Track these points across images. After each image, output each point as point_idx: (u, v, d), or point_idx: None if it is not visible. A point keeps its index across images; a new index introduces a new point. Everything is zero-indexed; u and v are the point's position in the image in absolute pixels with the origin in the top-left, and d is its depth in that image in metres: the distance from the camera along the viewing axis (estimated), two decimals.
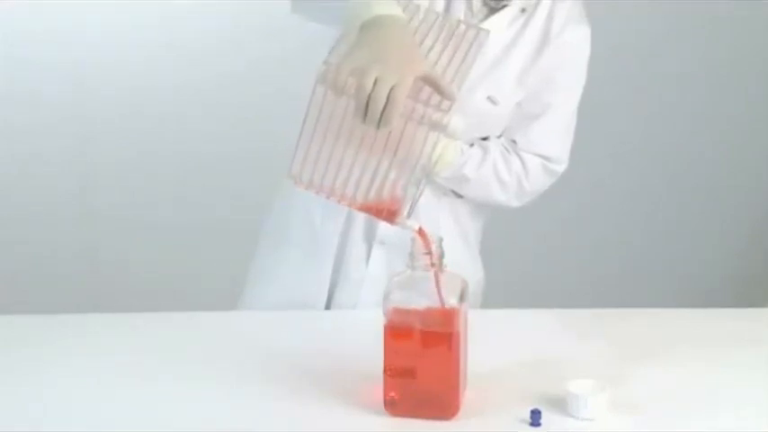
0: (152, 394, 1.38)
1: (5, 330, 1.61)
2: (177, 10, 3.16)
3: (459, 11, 1.67)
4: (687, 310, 1.75)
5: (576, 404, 1.30)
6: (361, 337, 1.44)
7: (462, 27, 1.41)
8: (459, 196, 1.76)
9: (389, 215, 1.32)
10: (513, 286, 2.53)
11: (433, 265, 1.28)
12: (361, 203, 1.34)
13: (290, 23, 1.64)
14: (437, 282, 1.28)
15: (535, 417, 1.28)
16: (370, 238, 1.75)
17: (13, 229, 3.22)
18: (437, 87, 1.32)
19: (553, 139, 1.76)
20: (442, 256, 1.29)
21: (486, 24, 1.65)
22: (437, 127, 1.32)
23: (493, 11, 1.69)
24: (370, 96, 1.26)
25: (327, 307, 1.77)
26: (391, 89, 1.26)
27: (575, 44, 1.74)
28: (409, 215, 1.33)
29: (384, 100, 1.26)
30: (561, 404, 1.31)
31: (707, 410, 1.34)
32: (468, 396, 1.33)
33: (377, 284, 1.65)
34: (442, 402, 1.30)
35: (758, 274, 3.37)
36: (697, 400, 1.37)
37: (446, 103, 1.33)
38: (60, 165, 3.22)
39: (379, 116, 1.27)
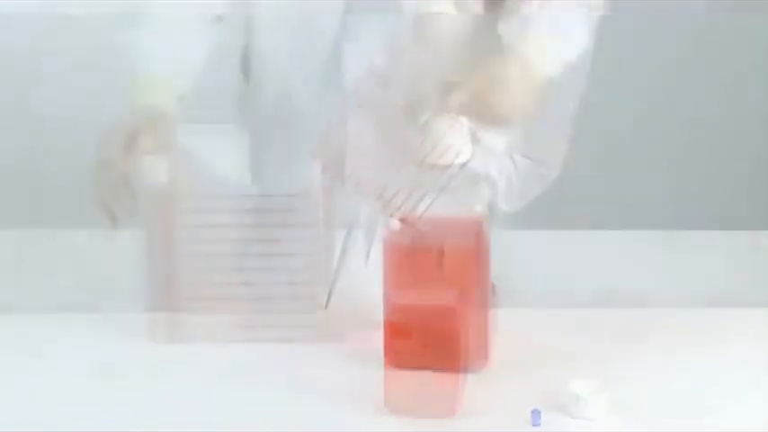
0: (151, 394, 1.38)
1: (5, 330, 1.61)
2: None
3: None
4: (687, 309, 1.74)
5: (577, 404, 1.29)
6: (360, 337, 1.44)
7: None
8: None
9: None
10: (512, 286, 2.52)
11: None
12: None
13: None
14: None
15: (535, 417, 1.28)
16: (369, 236, 1.74)
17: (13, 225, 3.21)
18: None
19: (547, 143, 1.76)
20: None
21: None
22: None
23: None
24: None
25: (326, 306, 1.76)
26: None
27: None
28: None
29: None
30: (561, 404, 1.31)
31: (707, 411, 1.34)
32: (468, 396, 1.33)
33: (376, 284, 1.65)
34: (442, 402, 1.30)
35: (758, 273, 3.36)
36: (697, 401, 1.37)
37: None
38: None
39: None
